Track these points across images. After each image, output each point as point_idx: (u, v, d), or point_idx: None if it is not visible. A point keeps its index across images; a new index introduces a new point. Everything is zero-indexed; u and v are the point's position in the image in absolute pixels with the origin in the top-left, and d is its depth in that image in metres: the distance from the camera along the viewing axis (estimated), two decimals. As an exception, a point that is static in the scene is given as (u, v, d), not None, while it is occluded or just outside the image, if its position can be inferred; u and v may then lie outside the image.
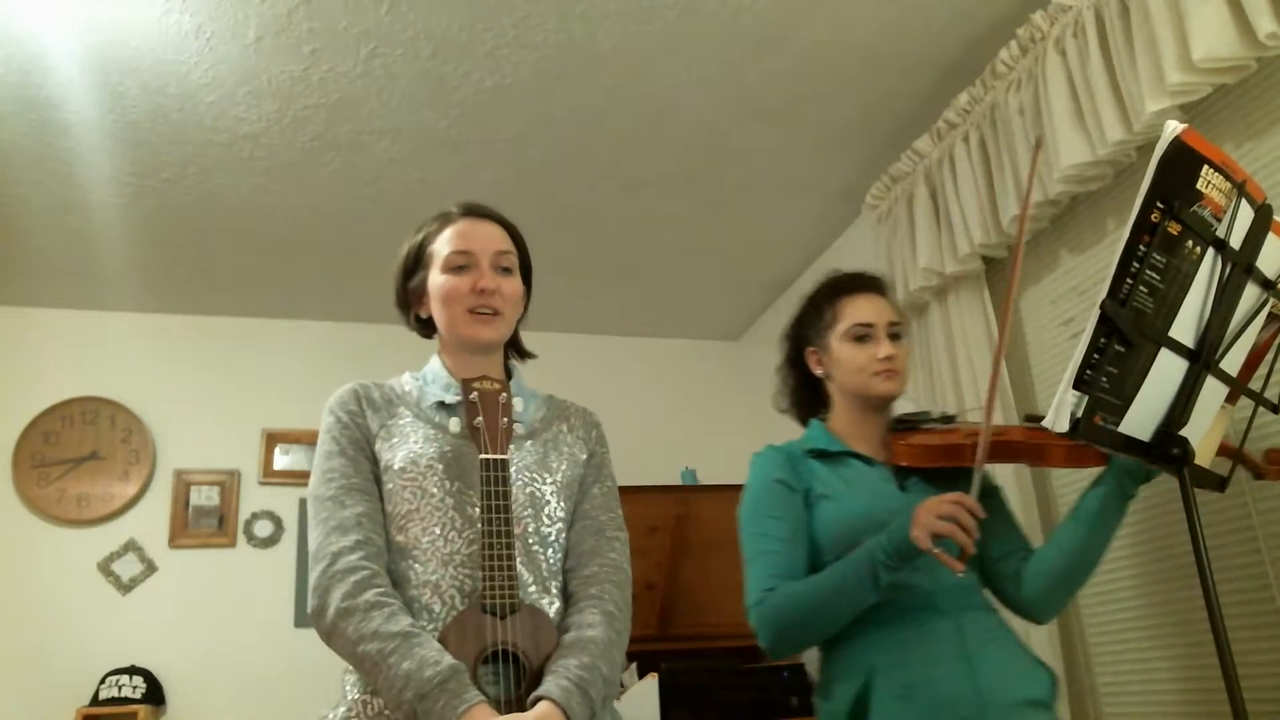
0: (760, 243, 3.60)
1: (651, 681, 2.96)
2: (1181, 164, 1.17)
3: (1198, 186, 1.18)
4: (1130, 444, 1.25)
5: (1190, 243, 1.20)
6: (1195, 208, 1.18)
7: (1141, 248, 1.16)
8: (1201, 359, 1.26)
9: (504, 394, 1.37)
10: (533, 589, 1.36)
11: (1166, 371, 1.24)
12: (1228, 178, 1.21)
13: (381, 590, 1.28)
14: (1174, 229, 1.17)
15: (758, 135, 2.92)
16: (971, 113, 2.64)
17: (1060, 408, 1.18)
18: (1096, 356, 1.17)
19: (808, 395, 1.86)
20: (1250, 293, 1.28)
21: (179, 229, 3.23)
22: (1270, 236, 1.29)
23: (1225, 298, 1.25)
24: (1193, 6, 1.91)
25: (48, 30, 2.30)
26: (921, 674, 1.53)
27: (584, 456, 1.52)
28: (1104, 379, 1.18)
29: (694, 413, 4.30)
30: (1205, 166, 1.18)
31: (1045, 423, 1.22)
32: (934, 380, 2.82)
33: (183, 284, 3.62)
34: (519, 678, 1.24)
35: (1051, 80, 2.29)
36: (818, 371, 1.80)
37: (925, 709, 1.50)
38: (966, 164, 2.65)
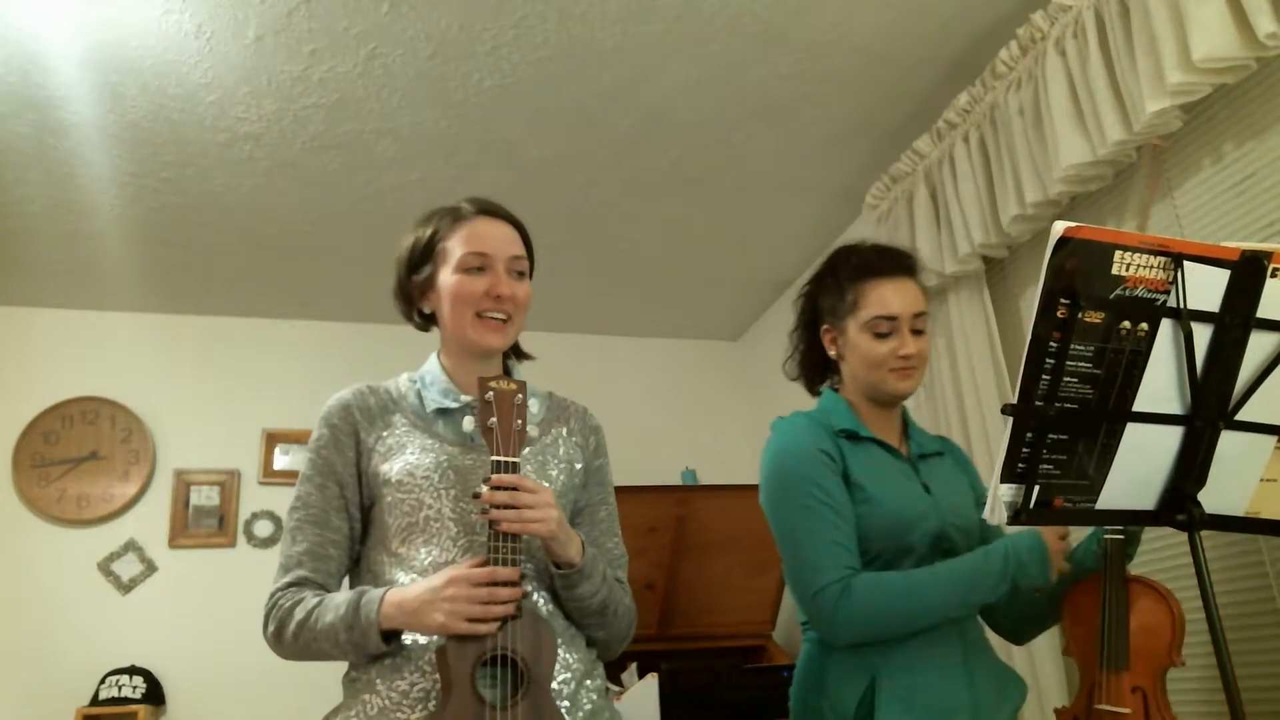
0: (760, 243, 3.60)
1: (651, 681, 2.95)
2: (1083, 257, 1.20)
3: (1114, 272, 1.21)
4: (1131, 515, 1.30)
5: (1127, 323, 1.23)
6: (1120, 291, 1.22)
7: (1053, 344, 1.20)
8: (1204, 419, 1.28)
9: (519, 395, 1.35)
10: (528, 589, 1.36)
11: (1149, 442, 1.27)
12: (1156, 254, 1.23)
13: (296, 600, 1.35)
14: (1093, 318, 1.21)
15: (758, 135, 2.92)
16: (971, 113, 2.64)
17: (995, 504, 1.23)
18: (1026, 451, 1.22)
19: (819, 364, 1.77)
20: (1263, 341, 1.30)
21: (179, 229, 3.23)
22: (1274, 282, 1.30)
23: (1221, 356, 1.27)
24: (1193, 6, 1.91)
25: (48, 30, 2.30)
26: (926, 679, 1.52)
27: (579, 466, 1.51)
28: (1049, 466, 1.23)
29: (694, 413, 4.30)
30: (1118, 251, 1.21)
31: (984, 515, 1.26)
32: (934, 381, 2.82)
33: (183, 284, 3.62)
34: (515, 683, 1.24)
35: (1051, 80, 2.29)
36: (831, 352, 1.71)
37: (928, 715, 1.50)
38: (966, 164, 2.65)
